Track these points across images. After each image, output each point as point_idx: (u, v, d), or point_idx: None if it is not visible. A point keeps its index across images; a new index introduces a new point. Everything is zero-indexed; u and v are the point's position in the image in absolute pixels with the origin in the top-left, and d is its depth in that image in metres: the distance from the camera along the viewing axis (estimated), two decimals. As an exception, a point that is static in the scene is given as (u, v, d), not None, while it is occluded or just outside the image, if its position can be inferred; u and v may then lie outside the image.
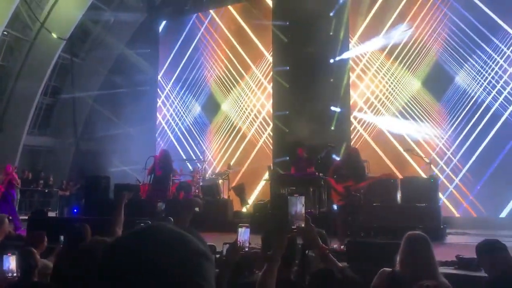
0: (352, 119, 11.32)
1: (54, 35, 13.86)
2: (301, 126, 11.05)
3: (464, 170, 9.77)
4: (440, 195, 8.60)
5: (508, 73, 9.54)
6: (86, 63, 15.80)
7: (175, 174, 9.73)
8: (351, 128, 11.27)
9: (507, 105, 9.47)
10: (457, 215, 9.61)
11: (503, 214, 9.22)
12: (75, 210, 12.50)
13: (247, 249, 2.35)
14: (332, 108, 11.36)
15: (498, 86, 9.62)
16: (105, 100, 14.53)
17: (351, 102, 11.37)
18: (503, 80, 9.58)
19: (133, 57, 14.45)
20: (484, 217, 9.30)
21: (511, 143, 9.34)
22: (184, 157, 12.54)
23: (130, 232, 0.77)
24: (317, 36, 11.11)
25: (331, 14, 11.50)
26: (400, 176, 9.00)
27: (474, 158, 9.67)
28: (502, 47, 9.62)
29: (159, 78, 14.82)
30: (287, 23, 11.99)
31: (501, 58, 9.63)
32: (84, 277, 2.01)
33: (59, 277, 2.27)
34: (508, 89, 9.51)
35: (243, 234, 2.34)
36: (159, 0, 13.92)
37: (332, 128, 11.28)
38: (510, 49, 9.55)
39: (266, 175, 10.44)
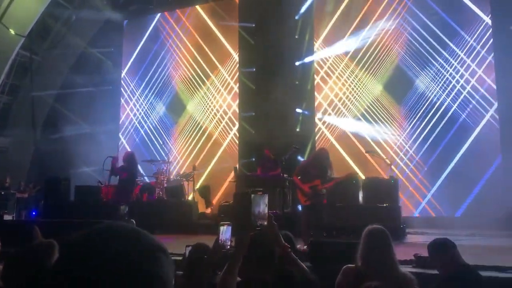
0: (316, 120, 11.48)
1: (12, 31, 13.36)
2: (266, 127, 11.13)
3: (425, 169, 10.10)
4: (401, 195, 8.87)
5: (465, 77, 9.93)
6: (46, 61, 15.31)
7: (138, 176, 9.58)
8: (316, 130, 11.44)
9: (465, 107, 9.85)
10: (417, 215, 9.91)
11: (458, 213, 9.58)
12: (34, 213, 12.09)
13: (228, 248, 2.31)
14: (297, 110, 11.49)
15: (456, 90, 10.00)
16: (66, 99, 14.11)
17: (315, 104, 11.54)
18: (460, 84, 9.96)
19: (96, 56, 14.11)
20: (442, 216, 9.64)
21: (467, 145, 9.72)
22: (148, 158, 12.33)
23: (86, 231, 0.78)
24: (282, 39, 11.22)
25: (297, 17, 11.65)
26: (363, 177, 9.23)
27: (432, 159, 10.01)
28: (459, 52, 10.01)
29: (122, 77, 14.54)
30: (253, 24, 12.04)
31: (458, 63, 10.02)
32: (33, 278, 1.96)
33: (8, 279, 2.19)
34: (464, 92, 9.89)
35: (225, 233, 2.31)
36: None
37: (297, 129, 11.41)
38: (467, 54, 9.95)
39: (232, 176, 10.45)
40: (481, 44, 9.84)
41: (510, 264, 4.32)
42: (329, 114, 11.33)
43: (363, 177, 9.12)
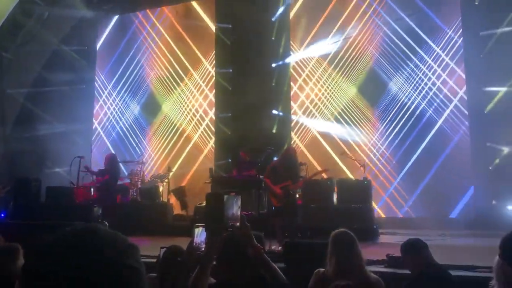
0: (292, 122, 11.56)
1: (-19, 28, 12.95)
2: (243, 128, 11.14)
3: (405, 171, 10.30)
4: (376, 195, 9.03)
5: (441, 79, 10.17)
6: (17, 59, 14.88)
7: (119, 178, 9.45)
8: (292, 131, 11.51)
9: (441, 111, 10.07)
10: (390, 215, 10.09)
11: (429, 214, 9.81)
12: (2, 215, 11.74)
13: (203, 250, 2.29)
14: (274, 111, 11.55)
15: (431, 93, 10.24)
16: (38, 98, 13.77)
17: (291, 106, 11.61)
18: (436, 86, 10.19)
19: (69, 54, 13.83)
20: (412, 217, 9.85)
21: (447, 147, 9.96)
22: (122, 159, 12.17)
23: (62, 232, 0.82)
24: (259, 40, 11.26)
25: (273, 19, 11.71)
26: (339, 176, 9.36)
27: (411, 162, 10.21)
28: (428, 59, 10.26)
29: (96, 76, 14.30)
30: (230, 25, 12.04)
31: (429, 70, 10.26)
32: None
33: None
34: (441, 96, 10.12)
35: (200, 235, 2.29)
36: (98, -5, 13.43)
37: (274, 131, 11.46)
38: (437, 57, 10.21)
39: (208, 178, 10.40)
40: (451, 49, 10.11)
41: (478, 263, 4.45)
42: (305, 116, 11.42)
43: (339, 177, 9.26)
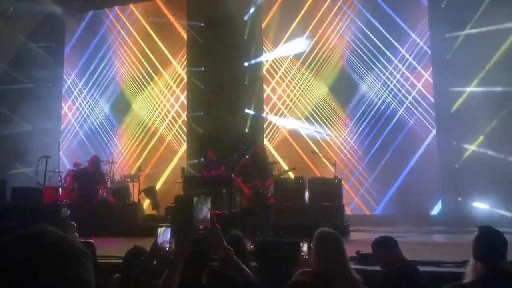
0: (265, 123, 11.58)
1: None
2: (215, 127, 11.08)
3: (379, 170, 10.48)
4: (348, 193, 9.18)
5: (410, 81, 10.40)
6: (-20, 55, 14.35)
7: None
8: (265, 130, 11.54)
9: (412, 112, 10.30)
10: (360, 212, 10.26)
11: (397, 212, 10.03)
12: (-35, 217, 11.31)
13: (167, 250, 2.26)
14: (246, 110, 11.55)
15: (400, 95, 10.45)
16: (4, 96, 13.32)
17: (264, 105, 11.64)
18: (404, 89, 10.42)
19: (36, 51, 13.43)
20: (384, 214, 10.05)
21: (418, 147, 10.19)
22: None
23: (12, 236, 0.79)
24: (232, 39, 11.23)
25: (245, 18, 11.70)
26: (311, 174, 9.45)
27: (383, 161, 10.39)
28: (396, 62, 10.48)
29: (65, 74, 13.94)
30: (202, 23, 11.96)
31: (398, 72, 10.48)
32: None
33: None
34: (410, 98, 10.35)
35: (163, 235, 2.27)
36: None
37: (246, 130, 11.46)
38: (405, 59, 10.45)
39: (179, 177, 10.31)
40: (420, 51, 10.36)
41: (445, 259, 4.58)
42: (278, 115, 11.47)
43: (311, 175, 9.34)
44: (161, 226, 2.28)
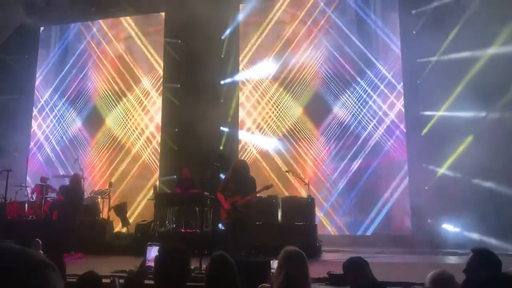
0: (240, 139, 11.58)
1: None
2: (189, 144, 11.01)
3: (339, 188, 10.56)
4: (318, 213, 9.22)
5: (386, 104, 10.64)
6: None
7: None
8: (239, 148, 11.53)
9: (386, 134, 10.51)
10: (332, 233, 10.30)
11: (369, 232, 10.12)
12: None
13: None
14: (221, 128, 11.53)
15: (375, 121, 10.66)
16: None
17: (239, 123, 11.66)
18: (382, 111, 10.65)
19: (7, 63, 13.14)
20: (353, 235, 10.12)
21: (392, 169, 10.35)
22: (61, 173, 11.61)
23: None
24: (208, 57, 11.26)
25: (223, 37, 11.80)
26: (285, 193, 9.46)
27: (346, 178, 10.52)
28: (370, 91, 10.74)
29: (36, 86, 13.65)
30: (179, 41, 11.97)
31: (371, 97, 10.72)
32: None
33: None
34: (386, 120, 10.58)
35: (152, 253, 2.24)
36: (41, 3, 12.88)
37: (221, 147, 11.43)
38: (380, 81, 10.70)
39: (151, 194, 10.14)
40: (391, 73, 10.65)
41: (413, 279, 4.62)
42: (252, 133, 11.50)
43: (286, 193, 9.33)
44: (150, 245, 2.25)
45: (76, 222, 7.87)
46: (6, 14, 12.97)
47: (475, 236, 8.73)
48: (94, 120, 12.84)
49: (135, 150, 12.29)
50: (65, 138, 12.98)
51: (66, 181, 10.74)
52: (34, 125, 13.45)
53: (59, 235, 7.34)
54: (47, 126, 13.31)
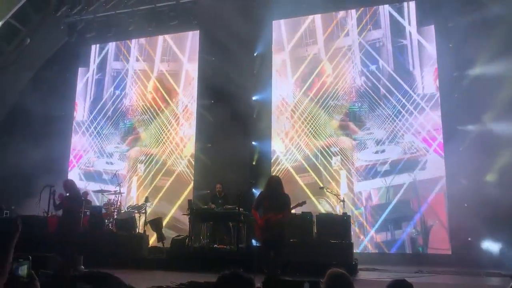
0: (273, 157, 11.56)
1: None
2: (223, 160, 11.11)
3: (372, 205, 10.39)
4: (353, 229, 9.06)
5: (419, 121, 10.44)
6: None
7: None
8: (273, 164, 11.51)
9: (422, 153, 10.31)
10: (367, 250, 10.10)
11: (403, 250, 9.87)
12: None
13: None
14: (253, 143, 11.59)
15: (410, 133, 10.47)
16: (16, 122, 13.54)
17: (272, 138, 11.65)
18: (414, 128, 10.46)
19: (50, 81, 13.72)
20: (389, 253, 9.90)
21: (430, 185, 10.12)
22: (99, 189, 11.92)
23: None
24: (241, 73, 11.38)
25: (255, 53, 11.93)
26: (320, 209, 9.37)
27: (394, 200, 10.32)
28: (405, 102, 10.57)
29: (76, 102, 14.16)
30: (213, 58, 12.17)
31: (404, 109, 10.55)
32: None
33: None
34: (419, 139, 10.37)
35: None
36: (82, 24, 13.43)
37: (254, 163, 11.47)
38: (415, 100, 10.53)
39: (187, 209, 10.25)
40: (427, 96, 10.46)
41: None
42: (286, 149, 11.49)
43: (322, 210, 9.24)
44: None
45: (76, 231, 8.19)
46: (48, 34, 13.60)
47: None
48: (130, 135, 13.17)
49: (173, 166, 12.47)
50: (103, 153, 13.36)
51: (92, 195, 11.09)
52: (74, 139, 13.91)
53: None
54: (84, 142, 13.73)
